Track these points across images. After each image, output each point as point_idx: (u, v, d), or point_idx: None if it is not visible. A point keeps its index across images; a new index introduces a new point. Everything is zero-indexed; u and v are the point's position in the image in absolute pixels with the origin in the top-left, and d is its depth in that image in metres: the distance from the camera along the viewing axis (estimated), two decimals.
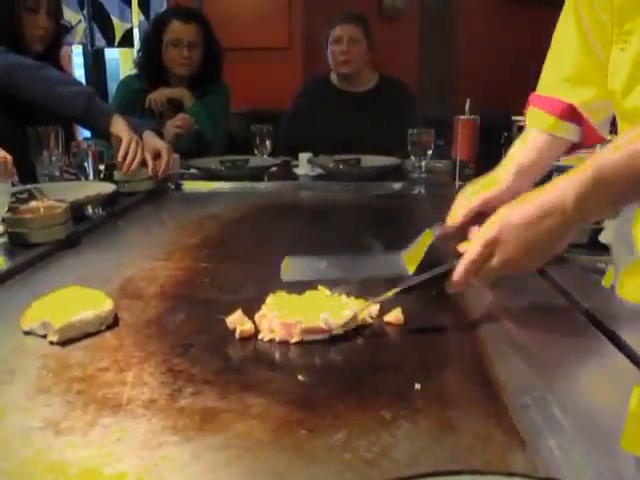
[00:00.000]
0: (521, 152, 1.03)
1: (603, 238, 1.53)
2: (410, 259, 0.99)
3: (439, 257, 0.92)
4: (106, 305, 0.80)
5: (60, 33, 1.98)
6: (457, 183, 1.79)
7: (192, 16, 2.37)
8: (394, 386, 0.64)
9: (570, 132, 1.03)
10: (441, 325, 0.81)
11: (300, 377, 0.66)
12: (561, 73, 1.03)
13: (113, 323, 0.80)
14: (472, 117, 1.83)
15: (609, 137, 1.46)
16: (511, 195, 0.96)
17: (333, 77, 2.61)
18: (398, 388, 0.63)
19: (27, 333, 0.78)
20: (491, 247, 0.73)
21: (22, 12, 1.79)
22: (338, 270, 0.97)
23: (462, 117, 1.82)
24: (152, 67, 2.37)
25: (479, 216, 0.95)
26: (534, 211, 0.71)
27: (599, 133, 1.05)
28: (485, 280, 0.78)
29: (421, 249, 0.98)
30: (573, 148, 1.06)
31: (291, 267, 1.00)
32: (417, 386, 0.62)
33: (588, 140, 1.05)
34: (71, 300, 0.81)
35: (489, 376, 0.66)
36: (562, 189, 0.70)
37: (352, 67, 2.52)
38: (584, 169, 0.68)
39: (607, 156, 0.68)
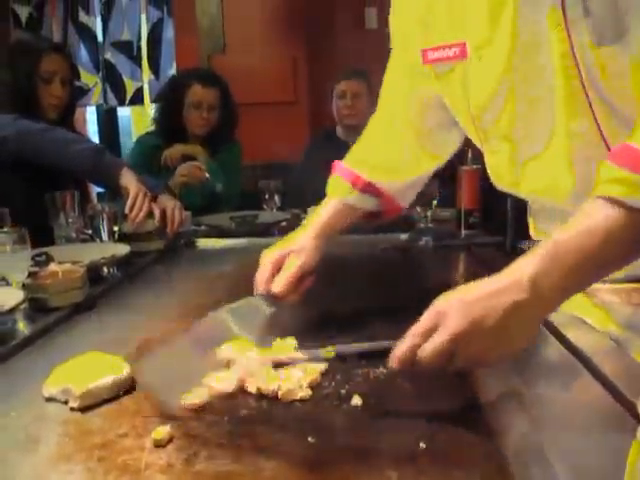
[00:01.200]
0: (323, 218, 1.11)
1: None
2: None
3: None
4: (124, 370, 0.83)
5: (74, 99, 2.07)
6: (463, 232, 1.83)
7: (213, 80, 2.49)
8: (399, 446, 0.66)
9: (367, 202, 1.13)
10: (442, 379, 0.83)
11: (310, 439, 0.68)
12: (370, 157, 1.14)
13: (130, 387, 0.83)
14: (474, 167, 1.88)
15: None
16: (317, 255, 1.06)
17: (339, 130, 2.70)
18: (403, 448, 0.65)
19: (48, 399, 0.81)
20: (436, 319, 0.68)
21: (37, 82, 1.88)
22: None
23: (465, 167, 1.87)
24: (170, 126, 2.46)
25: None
26: (486, 287, 0.67)
27: (398, 204, 1.17)
28: (429, 359, 0.67)
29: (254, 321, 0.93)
30: (372, 216, 1.17)
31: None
32: (422, 445, 0.65)
33: (389, 209, 1.16)
34: (90, 366, 0.84)
35: (492, 433, 0.68)
36: (519, 266, 0.67)
37: (356, 119, 2.62)
38: (543, 246, 0.66)
39: (563, 231, 0.66)
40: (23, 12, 3.83)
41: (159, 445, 0.68)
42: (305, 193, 2.46)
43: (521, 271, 0.65)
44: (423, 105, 1.07)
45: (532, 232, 1.04)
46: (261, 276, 1.02)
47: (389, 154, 1.14)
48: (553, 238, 0.66)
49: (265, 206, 2.13)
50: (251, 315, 0.93)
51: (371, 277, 1.47)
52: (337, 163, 1.17)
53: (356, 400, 0.76)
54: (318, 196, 2.32)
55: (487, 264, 1.50)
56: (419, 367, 0.68)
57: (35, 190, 1.75)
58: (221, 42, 3.59)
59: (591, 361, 0.82)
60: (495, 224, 1.76)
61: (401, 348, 0.69)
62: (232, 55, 3.57)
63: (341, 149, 2.60)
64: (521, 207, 1.63)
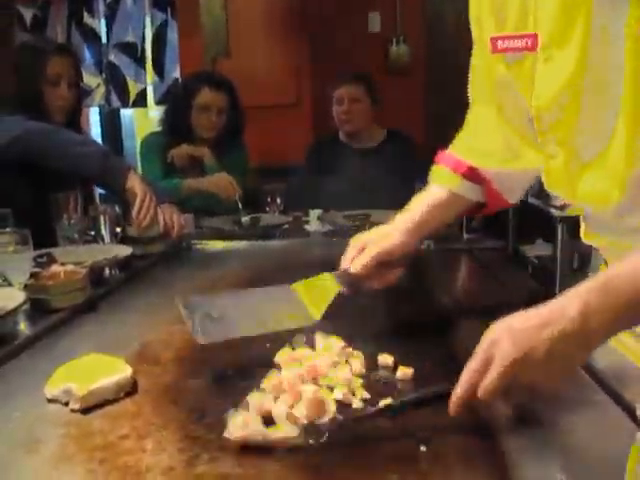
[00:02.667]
0: (422, 206, 1.09)
1: None
2: (313, 302, 0.98)
3: (346, 307, 0.99)
4: (125, 372, 0.83)
5: (80, 101, 2.08)
6: (465, 236, 1.83)
7: (222, 84, 2.49)
8: (400, 449, 0.66)
9: (470, 191, 1.09)
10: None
11: (311, 441, 0.68)
12: (470, 142, 1.10)
13: (132, 389, 0.84)
14: None
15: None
16: (405, 248, 1.05)
17: (341, 134, 2.70)
18: (404, 451, 0.66)
19: (50, 400, 0.81)
20: (490, 350, 0.67)
21: (44, 85, 1.88)
22: (239, 311, 0.97)
23: None
24: (178, 127, 2.47)
25: (376, 267, 1.02)
26: (536, 317, 0.66)
27: (504, 198, 1.10)
28: (490, 396, 0.66)
29: (325, 294, 0.98)
30: (478, 209, 1.12)
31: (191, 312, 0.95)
32: (422, 448, 0.65)
33: (491, 201, 1.10)
34: (92, 368, 0.84)
35: (492, 435, 0.68)
36: (568, 298, 0.66)
37: (354, 125, 2.62)
38: (594, 280, 0.66)
39: (617, 266, 0.67)
40: (28, 14, 3.84)
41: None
42: (307, 196, 2.48)
43: (571, 303, 0.65)
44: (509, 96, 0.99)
45: (582, 236, 1.00)
46: (344, 257, 1.04)
47: (488, 138, 1.07)
48: (606, 272, 0.67)
49: (267, 209, 2.14)
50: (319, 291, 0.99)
51: None
52: (440, 153, 1.14)
53: (356, 403, 0.76)
54: (320, 199, 2.33)
55: (489, 268, 1.50)
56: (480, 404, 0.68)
57: (39, 191, 1.76)
58: (225, 45, 3.60)
59: (589, 363, 0.82)
60: (497, 228, 1.77)
61: (459, 392, 0.68)
62: (236, 58, 3.58)
63: (344, 152, 2.64)
64: (523, 212, 1.65)
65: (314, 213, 2.06)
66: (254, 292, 1.04)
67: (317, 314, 0.95)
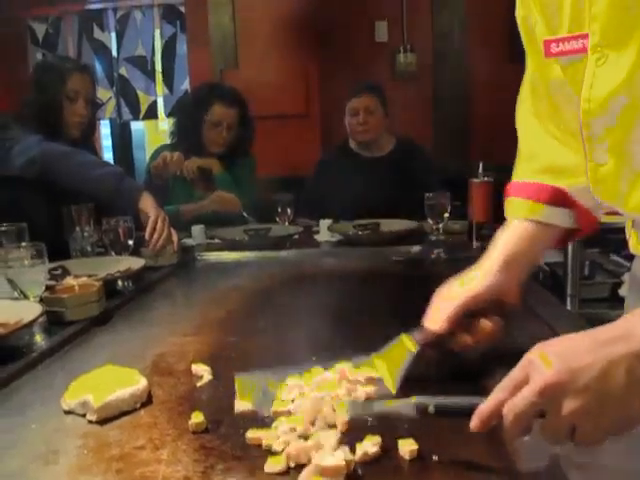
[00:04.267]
0: (507, 242, 0.94)
1: (623, 292, 1.56)
2: (388, 372, 0.86)
3: (422, 372, 0.85)
4: (141, 383, 0.85)
5: (95, 118, 2.13)
6: (475, 244, 1.84)
7: (234, 100, 2.50)
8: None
9: (559, 217, 0.95)
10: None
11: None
12: (538, 166, 0.98)
13: (147, 400, 0.85)
14: (486, 180, 1.88)
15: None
16: (497, 291, 0.89)
17: (352, 143, 2.71)
18: (416, 459, 0.66)
19: (67, 412, 0.82)
20: (526, 370, 0.58)
21: (63, 101, 1.93)
22: None
23: (476, 180, 1.88)
24: (189, 141, 2.49)
25: (466, 318, 0.87)
26: (587, 339, 0.57)
27: (593, 215, 0.97)
28: (514, 417, 0.58)
29: (399, 360, 0.85)
30: (571, 235, 0.99)
31: (244, 387, 0.85)
32: (434, 458, 0.66)
33: (584, 223, 0.97)
34: (108, 379, 0.86)
35: (503, 443, 0.69)
36: (631, 317, 0.58)
37: (369, 135, 2.63)
38: None
39: None
40: (40, 29, 3.90)
41: (196, 431, 0.74)
42: (317, 206, 2.49)
43: (629, 324, 0.57)
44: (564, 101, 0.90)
45: (632, 247, 0.95)
46: (427, 314, 0.90)
47: (560, 153, 0.96)
48: None
49: (278, 219, 2.15)
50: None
51: (383, 289, 1.48)
52: (510, 185, 1.00)
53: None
54: (330, 208, 2.33)
55: None
56: (505, 428, 0.59)
57: (53, 204, 1.79)
58: (233, 57, 3.63)
59: None
60: None
61: (484, 408, 0.60)
62: (244, 69, 3.61)
63: (354, 162, 2.65)
64: None
65: (324, 223, 2.07)
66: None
67: (392, 387, 0.83)
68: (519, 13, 0.92)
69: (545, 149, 0.97)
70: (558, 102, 0.89)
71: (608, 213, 0.92)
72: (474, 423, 0.61)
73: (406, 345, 0.87)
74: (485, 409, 0.60)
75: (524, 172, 1.00)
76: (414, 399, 0.67)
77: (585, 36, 0.77)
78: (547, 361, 0.56)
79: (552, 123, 0.95)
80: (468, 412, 0.62)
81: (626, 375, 0.53)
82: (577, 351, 0.56)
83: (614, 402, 0.54)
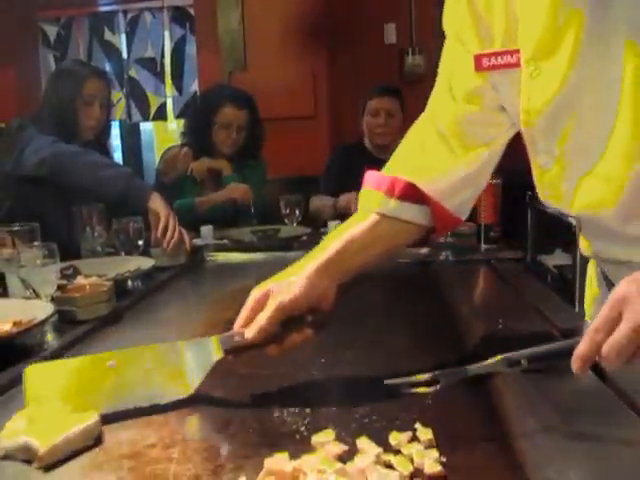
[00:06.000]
0: (332, 243, 0.90)
1: None
2: (193, 370, 0.84)
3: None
4: (90, 419, 0.73)
5: (109, 122, 2.16)
6: (483, 246, 1.84)
7: (244, 101, 2.52)
8: None
9: (411, 213, 0.93)
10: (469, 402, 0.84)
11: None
12: (403, 158, 0.99)
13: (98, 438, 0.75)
14: (494, 182, 1.88)
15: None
16: (314, 297, 0.86)
17: (367, 143, 2.69)
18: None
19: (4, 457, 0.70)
20: (618, 307, 0.59)
21: (79, 104, 1.96)
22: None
23: None
24: (199, 142, 2.50)
25: (280, 326, 0.84)
26: None
27: (455, 215, 0.96)
28: (615, 355, 0.58)
29: (205, 363, 0.84)
30: (423, 234, 0.97)
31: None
32: (443, 459, 0.66)
33: (440, 223, 0.95)
34: (53, 417, 0.74)
35: (513, 451, 0.69)
36: None
37: (388, 138, 2.62)
38: None
39: None
40: (51, 31, 3.93)
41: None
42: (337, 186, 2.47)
43: None
44: (466, 115, 0.95)
45: (582, 249, 0.99)
46: (239, 317, 0.87)
47: (418, 150, 0.98)
48: None
49: (286, 220, 2.16)
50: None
51: (390, 292, 1.49)
52: (367, 175, 0.99)
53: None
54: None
55: (507, 279, 1.51)
56: (607, 365, 0.60)
57: (64, 205, 1.81)
58: (242, 58, 3.65)
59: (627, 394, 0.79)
60: (515, 238, 1.77)
61: (581, 349, 0.61)
62: (253, 71, 3.63)
63: (367, 161, 2.61)
64: (541, 221, 1.65)
65: (332, 224, 2.07)
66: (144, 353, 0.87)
67: (188, 388, 0.83)
68: (449, 29, 0.94)
69: (413, 147, 1.00)
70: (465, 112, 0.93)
71: None
72: (577, 365, 0.61)
73: (213, 348, 0.84)
74: (584, 351, 0.60)
75: (388, 167, 1.00)
76: (498, 358, 0.68)
77: (518, 50, 0.81)
78: (638, 296, 0.57)
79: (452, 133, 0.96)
80: (565, 354, 0.62)
81: None
82: None
83: None
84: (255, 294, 0.87)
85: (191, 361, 0.85)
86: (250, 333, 0.83)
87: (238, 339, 0.84)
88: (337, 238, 0.92)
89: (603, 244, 0.90)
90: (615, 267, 0.94)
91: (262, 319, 0.82)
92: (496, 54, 0.85)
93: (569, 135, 0.80)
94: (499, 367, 0.69)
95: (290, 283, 0.85)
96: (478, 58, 0.87)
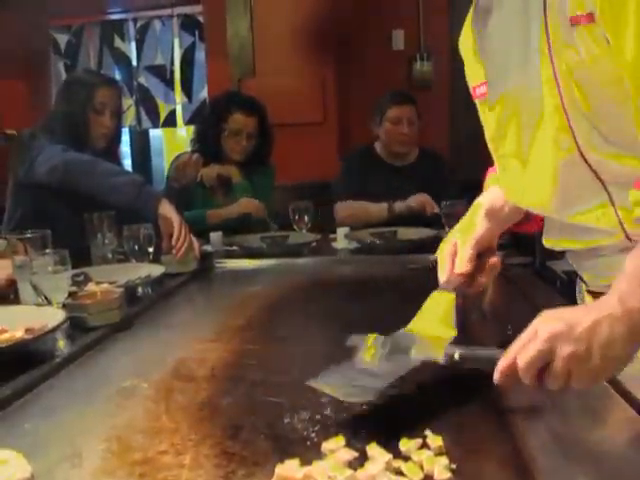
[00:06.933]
0: (488, 199, 1.07)
1: None
2: (437, 327, 0.90)
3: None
4: (22, 471, 0.65)
5: (120, 130, 2.17)
6: None
7: (254, 108, 2.52)
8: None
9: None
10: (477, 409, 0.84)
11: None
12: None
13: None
14: None
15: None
16: (492, 234, 1.04)
17: (379, 149, 2.68)
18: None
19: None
20: (532, 332, 0.69)
21: (90, 113, 1.98)
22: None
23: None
24: (209, 149, 2.52)
25: (478, 259, 0.99)
26: (580, 306, 0.76)
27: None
28: (527, 365, 0.68)
29: (447, 311, 0.92)
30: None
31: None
32: (452, 466, 0.66)
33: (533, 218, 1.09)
34: None
35: (523, 457, 0.69)
36: (612, 289, 0.70)
37: (408, 147, 2.62)
38: (627, 266, 0.71)
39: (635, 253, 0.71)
40: (62, 39, 3.97)
41: None
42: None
43: (611, 292, 0.70)
44: None
45: (543, 241, 1.07)
46: (441, 269, 1.01)
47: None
48: (633, 258, 0.71)
49: (295, 227, 2.16)
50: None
51: (400, 297, 1.48)
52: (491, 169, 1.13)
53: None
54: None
55: (516, 284, 1.51)
56: (524, 379, 0.69)
57: (76, 212, 1.82)
58: (251, 65, 3.66)
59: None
60: (524, 244, 1.76)
61: (503, 362, 0.70)
62: (262, 78, 3.64)
63: (380, 168, 2.61)
64: None
65: (341, 231, 2.08)
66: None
67: (450, 331, 0.89)
68: (461, 48, 1.13)
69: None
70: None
71: None
72: (497, 377, 0.70)
73: (441, 297, 0.95)
74: (504, 363, 0.70)
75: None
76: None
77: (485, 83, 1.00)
78: (551, 320, 0.69)
79: None
80: (490, 364, 0.71)
81: (609, 330, 0.66)
82: (574, 313, 0.70)
83: (598, 350, 0.66)
84: (446, 248, 1.02)
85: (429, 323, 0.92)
86: (460, 268, 0.98)
87: (454, 279, 0.97)
88: (490, 194, 1.08)
89: (558, 235, 1.01)
90: (574, 255, 1.04)
91: (465, 254, 0.98)
92: (482, 84, 1.03)
93: (518, 142, 0.93)
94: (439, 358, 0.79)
95: (470, 225, 1.03)
96: (473, 89, 1.06)
